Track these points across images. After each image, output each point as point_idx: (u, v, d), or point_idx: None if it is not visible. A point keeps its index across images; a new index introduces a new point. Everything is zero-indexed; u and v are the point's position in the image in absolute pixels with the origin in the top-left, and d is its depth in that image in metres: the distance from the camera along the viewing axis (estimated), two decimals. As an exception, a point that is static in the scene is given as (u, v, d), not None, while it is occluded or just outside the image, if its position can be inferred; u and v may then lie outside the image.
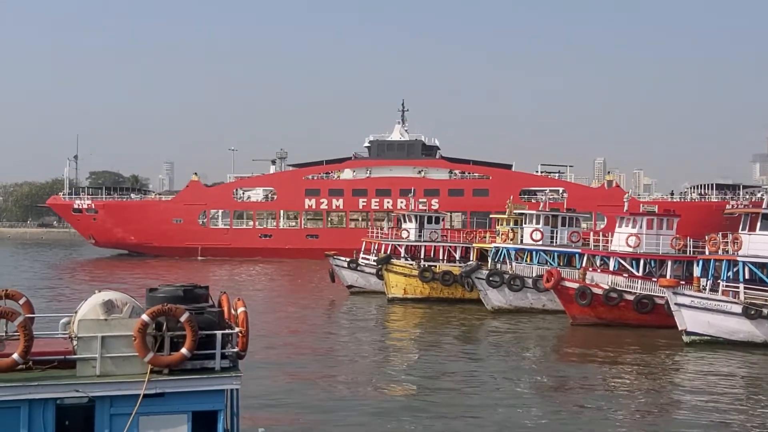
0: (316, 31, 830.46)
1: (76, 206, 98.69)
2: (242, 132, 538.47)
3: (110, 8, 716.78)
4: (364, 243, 57.94)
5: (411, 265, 50.57)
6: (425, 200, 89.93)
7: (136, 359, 10.72)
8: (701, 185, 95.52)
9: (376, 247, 55.80)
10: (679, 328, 33.92)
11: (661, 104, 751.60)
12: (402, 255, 53.52)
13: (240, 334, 11.45)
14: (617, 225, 42.52)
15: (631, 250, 40.34)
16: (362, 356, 31.41)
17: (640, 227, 40.70)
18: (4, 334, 10.89)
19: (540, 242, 46.53)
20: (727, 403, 23.53)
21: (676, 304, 33.76)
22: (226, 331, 11.32)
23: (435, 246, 54.18)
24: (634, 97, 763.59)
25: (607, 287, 38.93)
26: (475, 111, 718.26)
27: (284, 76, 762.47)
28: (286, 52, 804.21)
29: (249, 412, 18.64)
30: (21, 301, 12.29)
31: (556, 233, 46.87)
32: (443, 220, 59.26)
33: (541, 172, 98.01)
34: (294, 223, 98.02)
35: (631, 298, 38.29)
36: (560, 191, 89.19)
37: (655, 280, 38.24)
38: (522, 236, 47.98)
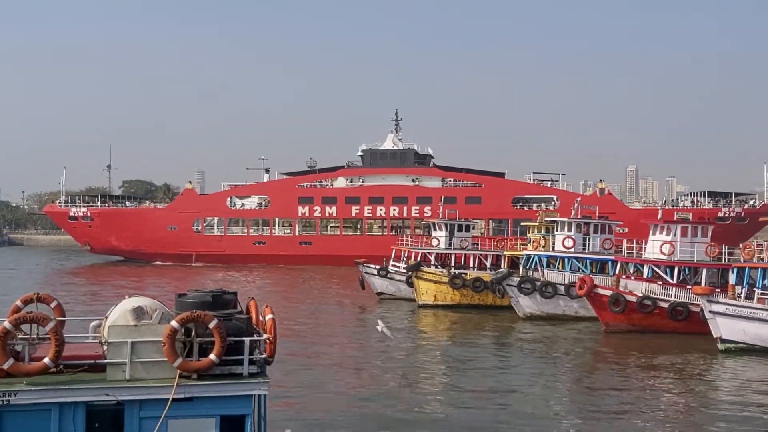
0: (314, 37, 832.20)
1: (72, 214, 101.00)
2: (267, 141, 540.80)
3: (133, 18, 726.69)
4: (393, 250, 58.09)
5: (441, 272, 50.47)
6: (418, 208, 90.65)
7: (165, 364, 10.76)
8: (693, 192, 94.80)
9: (405, 255, 55.82)
10: (714, 336, 33.43)
11: (698, 111, 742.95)
12: (432, 263, 53.49)
13: (268, 341, 11.45)
14: (651, 232, 42.04)
15: (665, 257, 39.84)
16: (395, 361, 31.39)
17: (674, 235, 40.21)
18: (35, 337, 10.99)
19: (572, 249, 46.17)
20: (763, 412, 23.06)
21: (711, 311, 33.29)
22: (254, 338, 11.34)
23: (465, 254, 54.02)
24: (675, 105, 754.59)
25: (641, 294, 38.52)
26: (483, 117, 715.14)
27: (287, 81, 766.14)
28: (287, 57, 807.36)
29: (276, 417, 18.63)
30: (52, 305, 12.40)
31: (589, 240, 46.49)
32: (473, 228, 59.24)
33: (534, 180, 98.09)
34: (288, 230, 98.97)
35: (665, 305, 37.80)
36: (553, 199, 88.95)
37: (689, 287, 37.74)
38: (554, 243, 47.66)
